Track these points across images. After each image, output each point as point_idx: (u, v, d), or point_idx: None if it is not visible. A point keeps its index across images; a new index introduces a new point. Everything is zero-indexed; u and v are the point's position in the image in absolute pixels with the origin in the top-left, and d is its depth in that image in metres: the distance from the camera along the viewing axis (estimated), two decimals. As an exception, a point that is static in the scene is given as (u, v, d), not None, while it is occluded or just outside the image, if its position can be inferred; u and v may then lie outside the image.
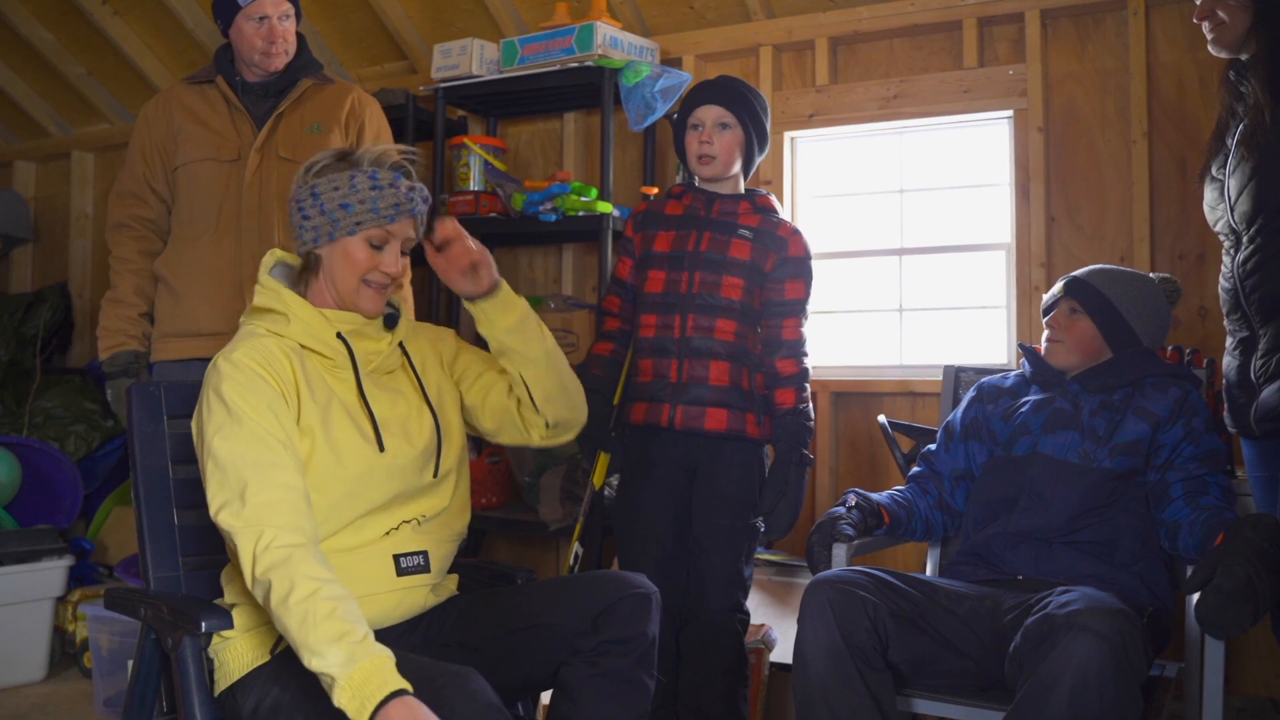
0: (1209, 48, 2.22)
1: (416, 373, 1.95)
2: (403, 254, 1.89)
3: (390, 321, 1.93)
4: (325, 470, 1.74)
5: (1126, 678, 1.73)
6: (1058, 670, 1.73)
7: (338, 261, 1.83)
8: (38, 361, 4.67)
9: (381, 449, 1.80)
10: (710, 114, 2.52)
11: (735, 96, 2.53)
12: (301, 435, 1.73)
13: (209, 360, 2.62)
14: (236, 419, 1.66)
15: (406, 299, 2.86)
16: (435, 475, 1.88)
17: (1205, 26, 2.20)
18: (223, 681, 1.73)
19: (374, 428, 1.81)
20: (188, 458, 1.92)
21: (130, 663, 1.89)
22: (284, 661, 1.69)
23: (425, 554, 1.85)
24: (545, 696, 2.41)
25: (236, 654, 1.73)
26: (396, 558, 1.81)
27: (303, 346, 1.81)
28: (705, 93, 2.55)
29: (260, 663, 1.72)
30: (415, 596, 1.83)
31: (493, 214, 3.51)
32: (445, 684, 1.53)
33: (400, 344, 1.94)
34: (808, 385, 2.53)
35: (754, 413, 2.50)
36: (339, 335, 1.83)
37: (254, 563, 1.57)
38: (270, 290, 1.84)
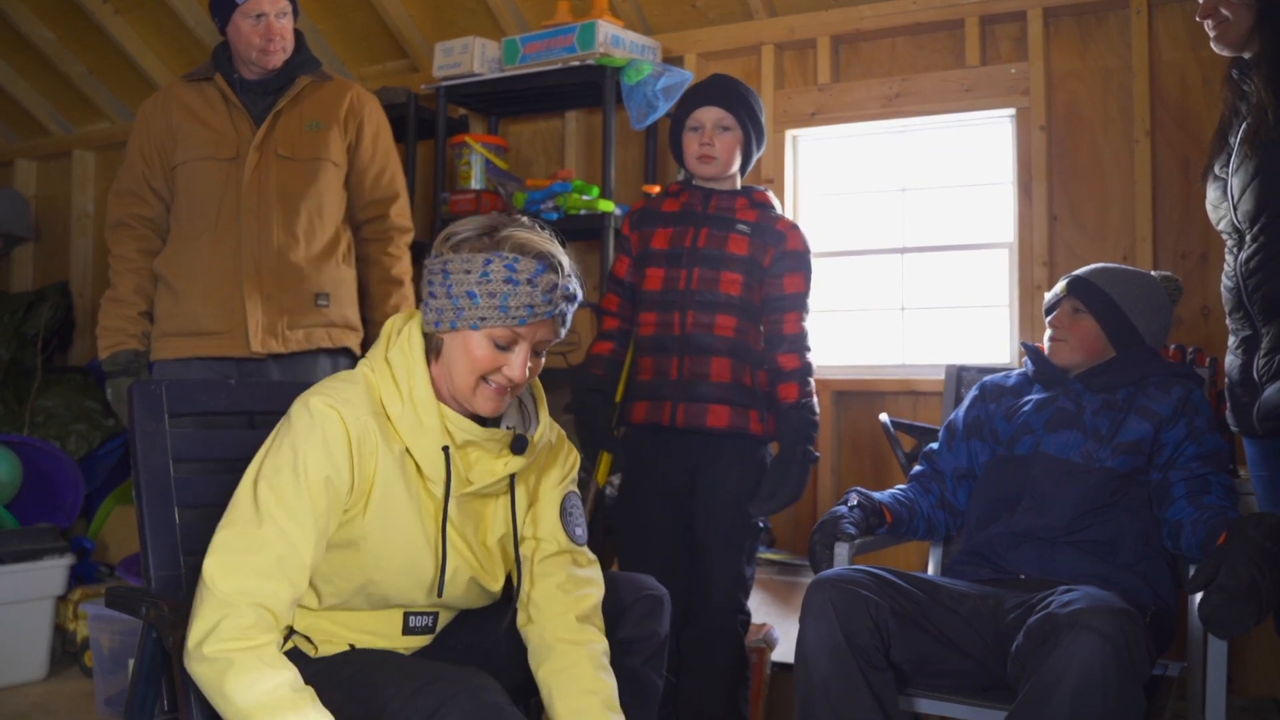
0: (1212, 45, 2.22)
1: (514, 507, 1.74)
2: (537, 354, 1.67)
3: (519, 446, 1.70)
4: (362, 572, 1.65)
5: (1129, 677, 1.72)
6: (1060, 670, 1.72)
7: (457, 353, 1.63)
8: (39, 360, 4.67)
9: (440, 595, 1.68)
10: (710, 116, 2.52)
11: (734, 98, 2.53)
12: (355, 516, 1.62)
13: (208, 359, 2.67)
14: (293, 468, 1.55)
15: (407, 297, 2.85)
16: (497, 595, 1.78)
17: (1208, 24, 2.20)
18: None
19: (441, 572, 1.67)
20: (189, 456, 1.91)
21: (131, 662, 1.89)
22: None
23: (435, 616, 1.79)
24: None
25: None
26: (408, 615, 1.76)
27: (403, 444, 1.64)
28: (704, 94, 2.55)
29: None
30: (411, 649, 1.79)
31: (494, 212, 3.51)
32: (449, 684, 1.51)
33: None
34: (811, 380, 2.51)
35: (757, 409, 2.49)
36: (444, 449, 1.64)
37: (200, 640, 1.49)
38: (407, 356, 1.65)
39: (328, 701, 1.54)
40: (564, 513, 1.80)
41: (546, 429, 1.78)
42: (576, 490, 1.85)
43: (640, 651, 1.75)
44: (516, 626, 1.78)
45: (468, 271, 1.60)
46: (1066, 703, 1.71)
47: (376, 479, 1.62)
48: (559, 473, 1.82)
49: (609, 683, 1.68)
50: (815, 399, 2.51)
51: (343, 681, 1.60)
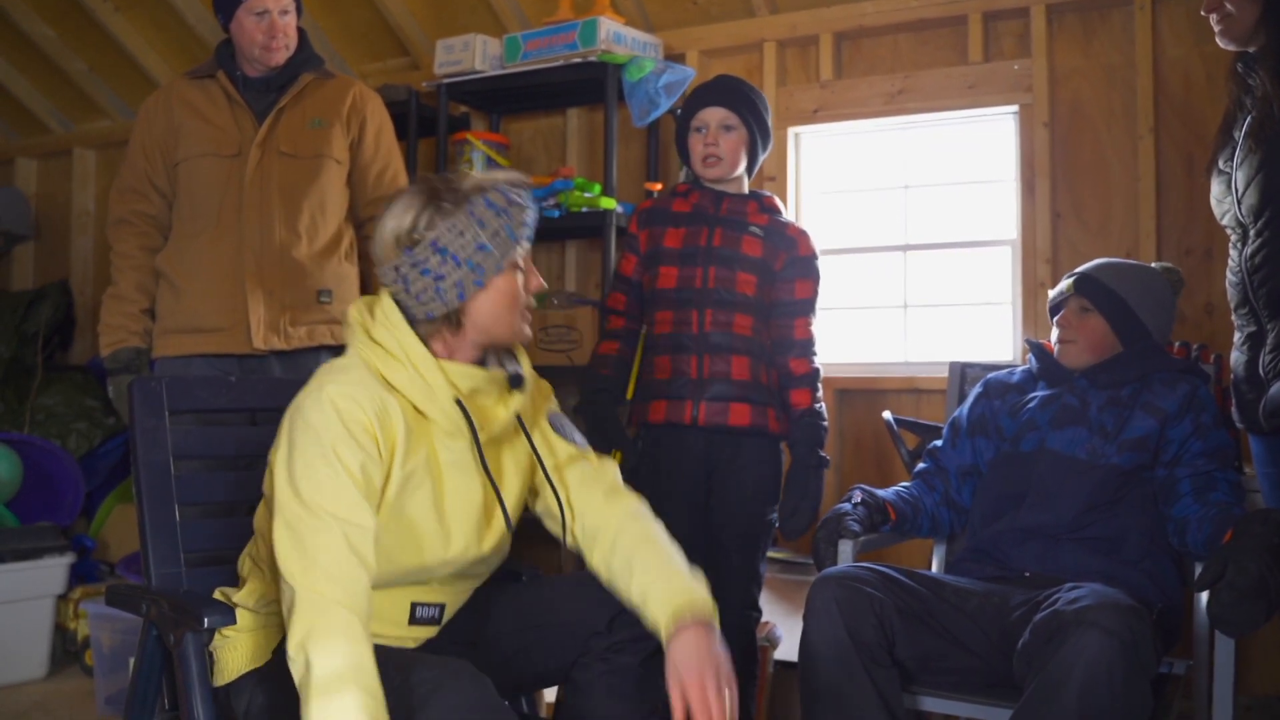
0: (1217, 40, 2.21)
1: (534, 447, 1.79)
2: None
3: (516, 382, 1.75)
4: (389, 541, 1.65)
5: (1137, 675, 1.72)
6: (1067, 667, 1.72)
7: (489, 305, 1.67)
8: (39, 359, 4.66)
9: (509, 527, 1.73)
10: (714, 116, 2.52)
11: (739, 98, 2.52)
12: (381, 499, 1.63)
13: (210, 357, 2.66)
14: (328, 463, 1.55)
15: None
16: (506, 552, 1.81)
17: (1213, 19, 2.19)
18: (219, 678, 1.71)
19: (502, 508, 1.72)
20: (190, 454, 1.91)
21: (132, 660, 1.88)
22: (279, 664, 1.68)
23: (442, 608, 1.79)
24: (548, 693, 2.41)
25: (235, 654, 1.71)
26: (414, 606, 1.75)
27: (414, 407, 1.66)
28: (708, 94, 2.55)
29: (257, 664, 1.70)
30: (416, 642, 1.78)
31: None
32: (437, 677, 1.50)
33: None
34: (820, 385, 2.54)
35: (774, 407, 2.51)
36: (457, 402, 1.67)
37: (294, 613, 1.49)
38: (392, 329, 1.66)
39: None
40: (556, 430, 1.86)
41: (529, 364, 1.82)
42: (559, 411, 1.90)
43: (639, 650, 1.74)
44: (521, 607, 1.79)
45: (462, 233, 1.62)
46: (1074, 700, 1.70)
47: (396, 451, 1.63)
48: (548, 406, 1.89)
49: (661, 535, 1.77)
50: (824, 404, 2.54)
51: None
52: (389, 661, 1.56)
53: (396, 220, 1.65)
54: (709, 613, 1.65)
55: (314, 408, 1.59)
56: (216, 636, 1.72)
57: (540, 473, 1.82)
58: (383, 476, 1.61)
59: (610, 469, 1.87)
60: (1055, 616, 1.79)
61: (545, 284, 1.73)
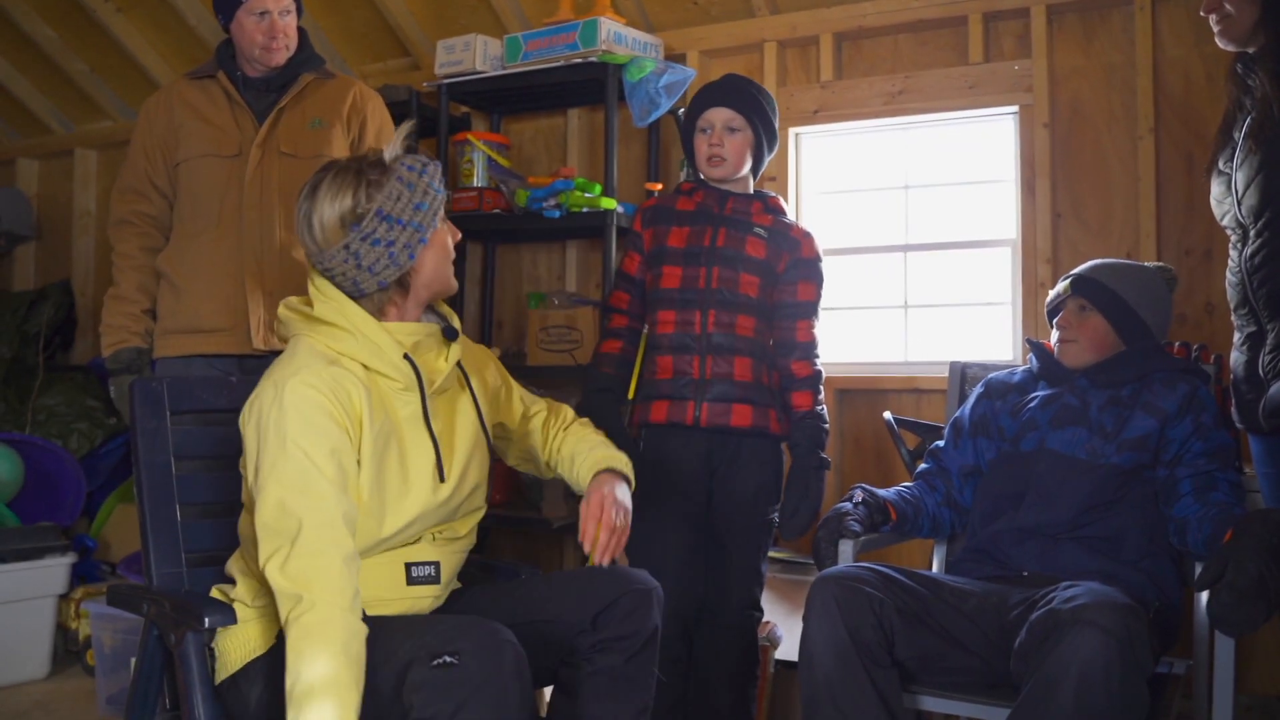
0: (1216, 41, 2.20)
1: (475, 397, 1.90)
2: None
3: (451, 334, 1.86)
4: (375, 503, 1.70)
5: (1133, 673, 1.72)
6: (1063, 666, 1.72)
7: (431, 260, 1.79)
8: (40, 359, 4.67)
9: (443, 479, 1.77)
10: (720, 116, 2.51)
11: (745, 99, 2.51)
12: (359, 468, 1.69)
13: (211, 357, 2.66)
14: (291, 458, 1.60)
15: None
16: (482, 503, 1.89)
17: (1212, 19, 2.18)
18: (223, 671, 1.72)
19: (438, 460, 1.77)
20: (190, 454, 1.91)
21: (133, 660, 1.89)
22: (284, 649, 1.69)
23: (437, 565, 1.82)
24: (546, 691, 2.41)
25: (240, 641, 1.71)
26: (409, 566, 1.78)
27: (366, 368, 1.73)
28: (714, 94, 2.53)
29: (266, 648, 1.70)
30: (420, 605, 1.81)
31: (496, 210, 3.51)
32: (461, 622, 1.57)
33: (459, 363, 1.88)
34: (822, 387, 2.54)
35: (775, 409, 2.51)
36: (406, 357, 1.75)
37: (287, 623, 1.54)
38: (331, 301, 1.75)
39: None
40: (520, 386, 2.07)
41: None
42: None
43: (623, 649, 1.75)
44: (508, 604, 1.83)
45: (399, 198, 1.72)
46: (1070, 699, 1.70)
47: (364, 418, 1.69)
48: (494, 365, 2.03)
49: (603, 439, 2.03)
50: (825, 407, 2.54)
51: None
52: (408, 622, 1.65)
53: (334, 203, 1.72)
54: (623, 466, 1.95)
55: (271, 406, 1.63)
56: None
57: (515, 433, 2.03)
58: (355, 450, 1.67)
59: (564, 409, 2.10)
60: (1051, 615, 1.79)
61: (460, 233, 1.85)
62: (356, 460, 1.68)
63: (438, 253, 1.79)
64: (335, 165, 1.75)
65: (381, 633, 1.61)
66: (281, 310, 1.79)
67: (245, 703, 1.69)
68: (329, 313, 1.73)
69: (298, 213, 1.75)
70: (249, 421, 1.66)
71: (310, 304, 1.77)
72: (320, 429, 1.62)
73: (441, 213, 1.80)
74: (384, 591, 1.76)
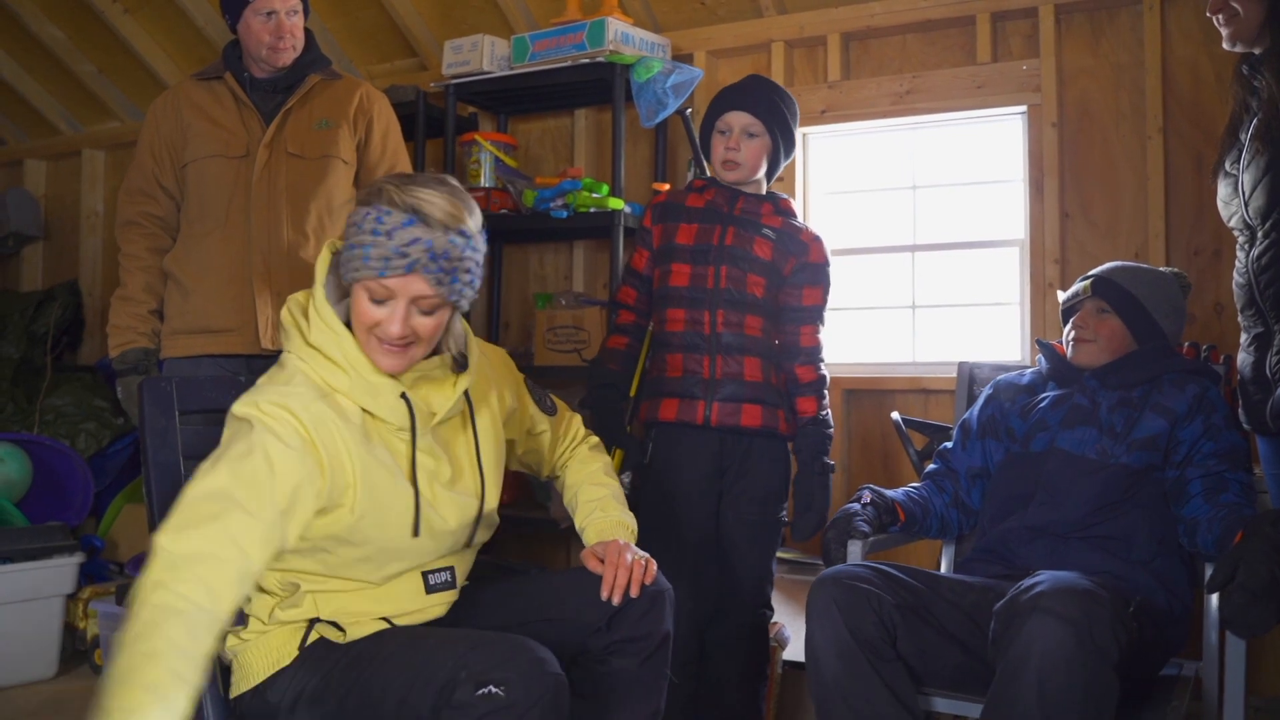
0: (1223, 43, 2.20)
1: (475, 428, 1.81)
2: (426, 314, 1.65)
3: (461, 364, 1.77)
4: (357, 535, 1.66)
5: (1094, 659, 1.70)
6: (1024, 655, 1.72)
7: (354, 306, 1.66)
8: (48, 359, 4.68)
9: (416, 534, 1.69)
10: (739, 121, 2.50)
11: (766, 105, 2.50)
12: (338, 502, 1.62)
13: (218, 357, 2.66)
14: (255, 463, 1.53)
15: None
16: (468, 545, 1.82)
17: (1219, 20, 2.17)
18: (244, 683, 1.70)
19: (416, 512, 1.69)
20: (199, 454, 1.90)
21: (141, 659, 1.88)
22: (314, 653, 1.69)
23: (452, 570, 1.82)
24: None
25: (261, 653, 1.70)
26: (425, 575, 1.78)
27: (361, 408, 1.66)
28: (735, 97, 2.52)
29: (289, 659, 1.69)
30: (438, 610, 1.81)
31: (504, 210, 3.51)
32: (509, 647, 1.54)
33: (466, 392, 1.78)
34: (826, 391, 2.54)
35: (784, 409, 2.51)
36: (403, 396, 1.68)
37: (139, 588, 1.41)
38: (329, 331, 1.66)
39: (374, 677, 1.57)
40: (536, 402, 2.01)
41: (478, 349, 1.84)
42: (526, 378, 2.03)
43: (636, 652, 1.74)
44: (520, 602, 1.82)
45: (353, 224, 1.63)
46: (1033, 688, 1.70)
47: (344, 456, 1.61)
48: (510, 383, 1.95)
49: (602, 474, 2.01)
50: (830, 411, 2.55)
51: (389, 656, 1.61)
52: (446, 636, 1.62)
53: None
54: (629, 535, 1.89)
55: (243, 426, 1.58)
56: (234, 640, 1.72)
57: (522, 446, 2.00)
58: (323, 488, 1.59)
59: (574, 423, 2.08)
60: (1011, 604, 1.80)
61: (398, 333, 1.64)
62: (322, 503, 1.60)
63: (354, 310, 1.66)
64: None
65: (418, 643, 1.61)
66: (284, 315, 1.72)
67: (273, 712, 1.68)
68: (324, 341, 1.66)
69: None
70: (231, 422, 1.62)
71: (306, 311, 1.70)
72: (292, 459, 1.55)
73: (368, 283, 1.62)
74: (406, 604, 1.75)
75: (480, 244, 1.69)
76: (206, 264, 2.68)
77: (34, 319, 4.79)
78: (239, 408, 1.61)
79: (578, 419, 2.10)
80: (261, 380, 1.69)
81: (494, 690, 1.46)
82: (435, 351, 1.74)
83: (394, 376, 1.68)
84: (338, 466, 1.61)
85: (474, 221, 1.68)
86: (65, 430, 4.32)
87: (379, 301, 1.63)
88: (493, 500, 1.82)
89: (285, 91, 2.73)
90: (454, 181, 1.69)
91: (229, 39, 2.78)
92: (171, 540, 1.44)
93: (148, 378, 1.91)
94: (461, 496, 1.76)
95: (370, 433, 1.67)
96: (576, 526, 1.96)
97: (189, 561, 1.42)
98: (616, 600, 1.73)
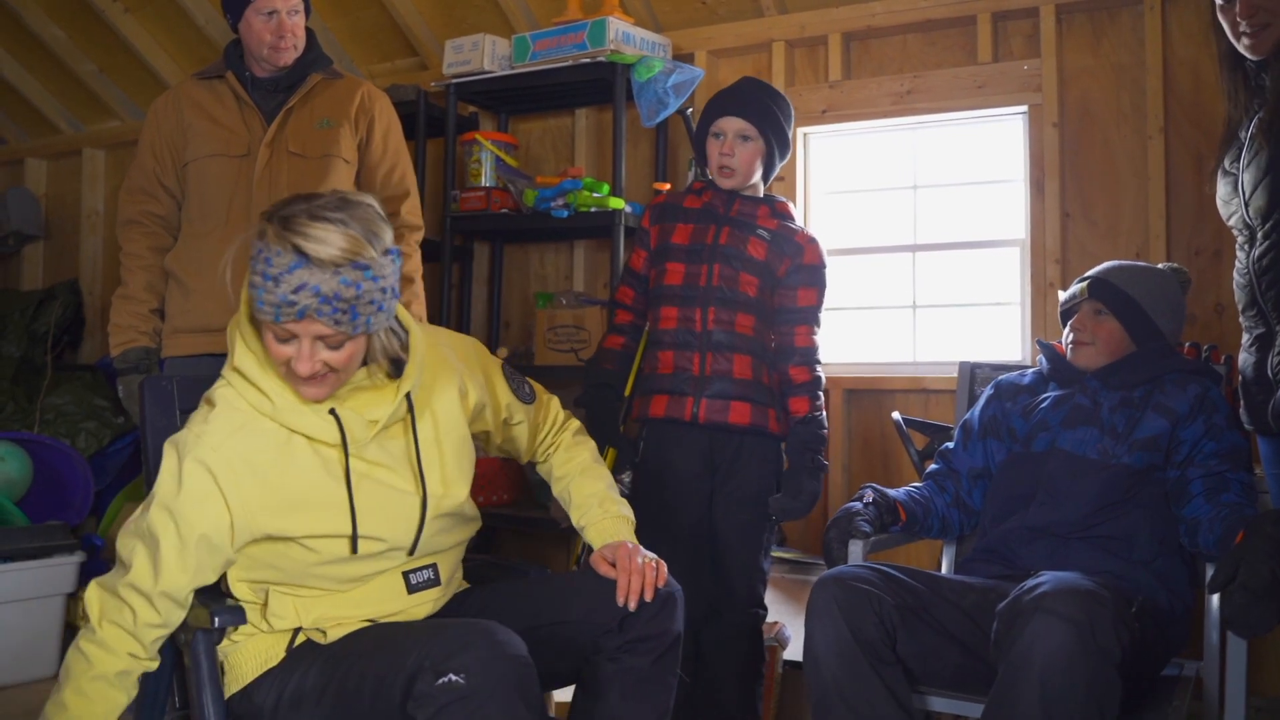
0: (1243, 51, 2.11)
1: (415, 431, 1.75)
2: (334, 348, 1.59)
3: (396, 370, 1.73)
4: (296, 550, 1.67)
5: (1097, 659, 1.70)
6: (1026, 655, 1.72)
7: (264, 341, 1.64)
8: (48, 358, 4.68)
9: (354, 549, 1.68)
10: (732, 125, 2.51)
11: (759, 109, 2.51)
12: (263, 531, 1.64)
13: (219, 356, 2.64)
14: (161, 522, 1.61)
15: (418, 294, 2.84)
16: (410, 554, 1.77)
17: (1245, 24, 2.07)
18: (234, 684, 1.72)
19: (353, 529, 1.67)
20: (200, 453, 1.91)
21: (142, 659, 1.88)
22: (299, 654, 1.70)
23: (434, 567, 1.81)
24: (555, 693, 2.41)
25: (249, 655, 1.72)
26: (406, 575, 1.77)
27: (289, 429, 1.66)
28: (729, 102, 2.53)
29: (276, 661, 1.71)
30: (423, 610, 1.80)
31: (504, 210, 3.51)
32: (468, 633, 1.53)
33: (409, 395, 1.73)
34: (821, 392, 2.54)
35: (774, 408, 2.51)
36: (331, 411, 1.66)
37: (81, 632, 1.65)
38: (251, 357, 1.65)
39: (349, 673, 1.58)
40: (513, 390, 1.95)
41: (426, 348, 1.76)
42: (501, 361, 1.99)
43: (649, 651, 1.74)
44: (530, 605, 1.81)
45: (251, 258, 1.57)
46: (1036, 688, 1.70)
47: (274, 483, 1.63)
48: (481, 369, 1.90)
49: (591, 464, 2.00)
50: (824, 413, 2.54)
51: (362, 652, 1.62)
52: (414, 626, 1.62)
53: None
54: (630, 537, 1.87)
55: (171, 473, 1.62)
56: (226, 642, 1.73)
57: (499, 434, 1.95)
58: (245, 530, 1.63)
59: (552, 408, 2.04)
60: (1014, 605, 1.80)
61: (309, 370, 1.60)
62: (246, 537, 1.64)
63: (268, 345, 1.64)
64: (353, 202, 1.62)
65: (388, 636, 1.61)
66: (230, 329, 1.72)
67: (259, 713, 1.70)
68: (248, 368, 1.66)
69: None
70: (160, 461, 1.65)
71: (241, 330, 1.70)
72: (198, 513, 1.59)
73: (270, 326, 1.60)
74: (388, 606, 1.75)
75: (387, 267, 1.59)
76: (207, 263, 2.68)
77: (34, 318, 4.79)
78: (166, 450, 1.65)
79: (555, 401, 2.06)
80: (194, 416, 1.70)
81: (454, 679, 1.46)
82: (366, 360, 1.71)
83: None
84: (248, 502, 1.62)
85: (377, 246, 1.58)
86: (66, 429, 4.32)
87: (284, 340, 1.59)
88: (449, 499, 1.78)
89: (286, 91, 2.73)
90: (357, 199, 1.60)
91: (230, 38, 2.78)
92: (96, 586, 1.67)
93: (149, 376, 1.91)
94: (404, 496, 1.73)
95: (297, 451, 1.66)
96: (574, 521, 1.95)
97: (106, 618, 1.65)
98: (633, 606, 1.72)
